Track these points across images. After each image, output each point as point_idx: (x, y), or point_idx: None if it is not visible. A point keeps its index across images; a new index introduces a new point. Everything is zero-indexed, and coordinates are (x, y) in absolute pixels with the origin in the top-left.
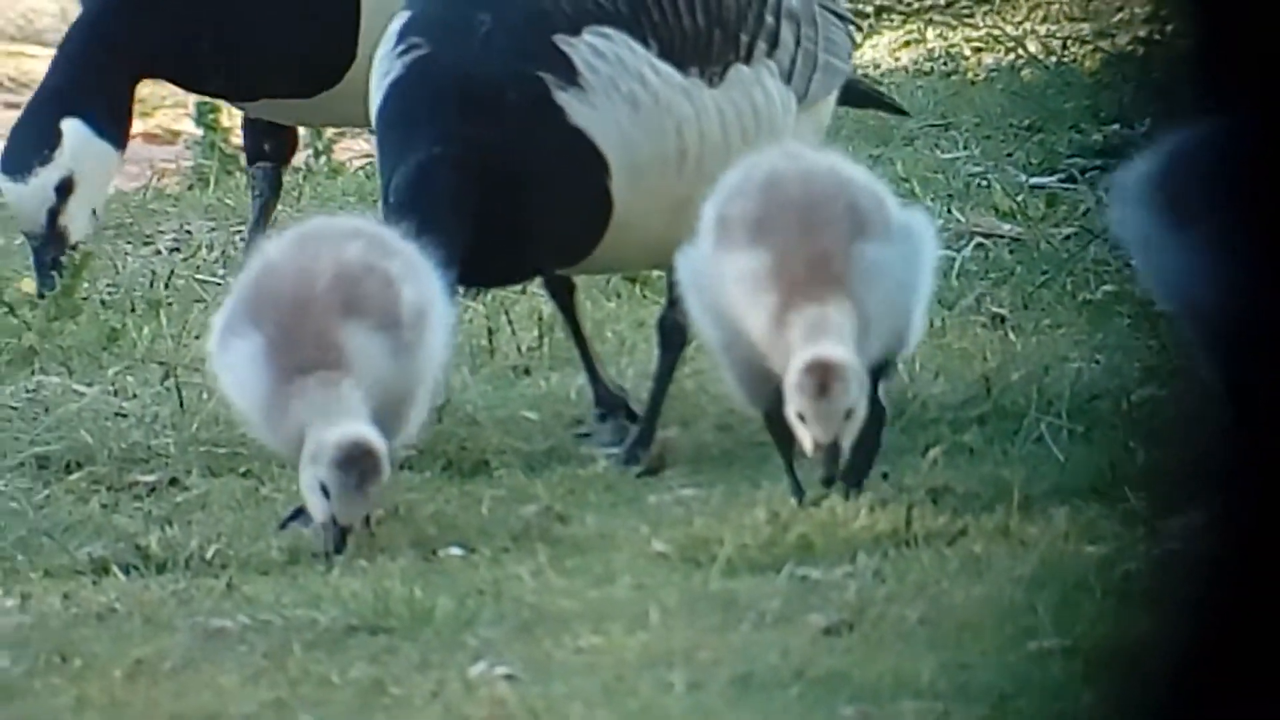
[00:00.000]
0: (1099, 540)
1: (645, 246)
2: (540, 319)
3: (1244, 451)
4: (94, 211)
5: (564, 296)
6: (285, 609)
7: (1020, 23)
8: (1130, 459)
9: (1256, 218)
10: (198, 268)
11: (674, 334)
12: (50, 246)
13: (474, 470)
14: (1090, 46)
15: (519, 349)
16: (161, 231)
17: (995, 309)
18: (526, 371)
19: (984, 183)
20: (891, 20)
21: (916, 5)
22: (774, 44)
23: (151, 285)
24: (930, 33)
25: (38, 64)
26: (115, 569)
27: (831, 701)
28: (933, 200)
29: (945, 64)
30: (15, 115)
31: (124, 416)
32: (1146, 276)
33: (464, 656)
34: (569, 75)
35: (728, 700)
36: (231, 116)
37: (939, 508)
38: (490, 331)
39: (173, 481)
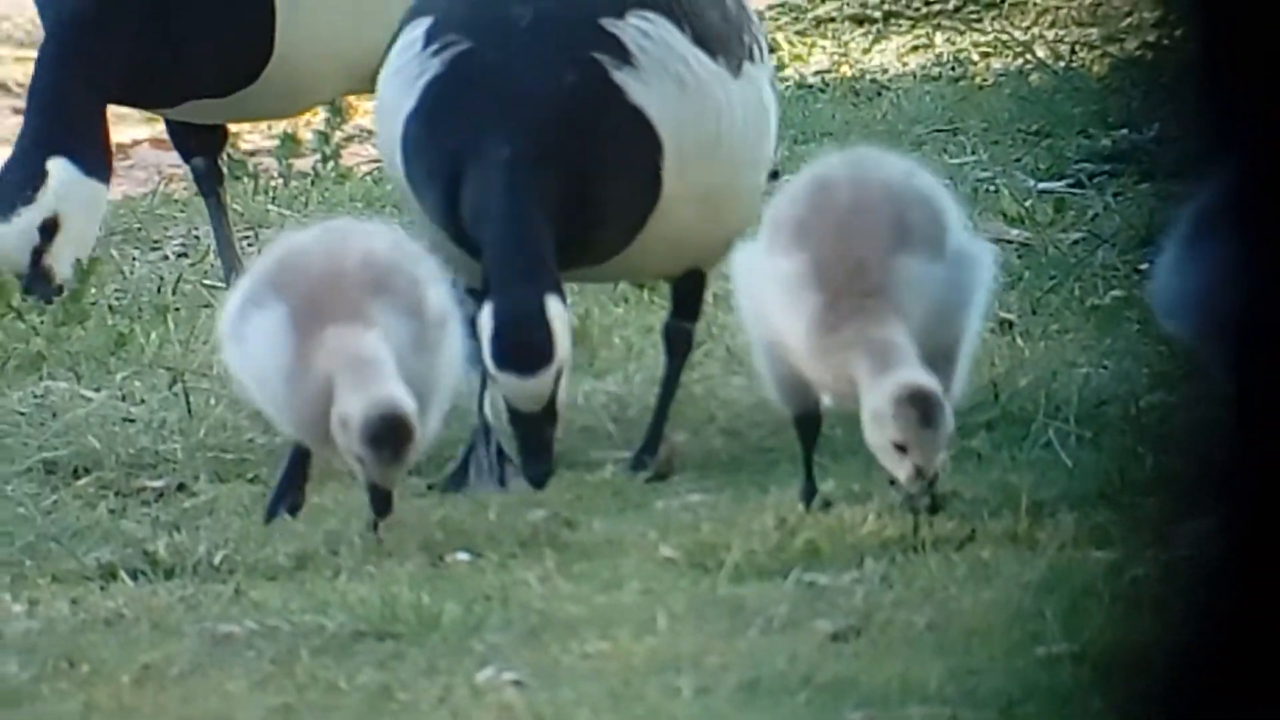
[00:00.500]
0: (1107, 546)
1: (673, 241)
2: None
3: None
4: (78, 258)
5: None
6: (292, 614)
7: (1028, 28)
8: (1138, 464)
9: (1269, 227)
10: (205, 273)
11: (680, 341)
12: (36, 286)
13: None
14: (1098, 51)
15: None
16: (169, 237)
17: (1003, 314)
18: None
19: (992, 188)
20: (899, 25)
21: (924, 10)
22: (762, 52)
23: (159, 291)
24: (938, 38)
25: None
26: (123, 574)
27: (839, 707)
28: None
29: (953, 69)
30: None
31: (131, 422)
32: (1165, 293)
33: (471, 662)
34: (623, 55)
35: (735, 706)
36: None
37: (947, 513)
38: None
39: (180, 487)
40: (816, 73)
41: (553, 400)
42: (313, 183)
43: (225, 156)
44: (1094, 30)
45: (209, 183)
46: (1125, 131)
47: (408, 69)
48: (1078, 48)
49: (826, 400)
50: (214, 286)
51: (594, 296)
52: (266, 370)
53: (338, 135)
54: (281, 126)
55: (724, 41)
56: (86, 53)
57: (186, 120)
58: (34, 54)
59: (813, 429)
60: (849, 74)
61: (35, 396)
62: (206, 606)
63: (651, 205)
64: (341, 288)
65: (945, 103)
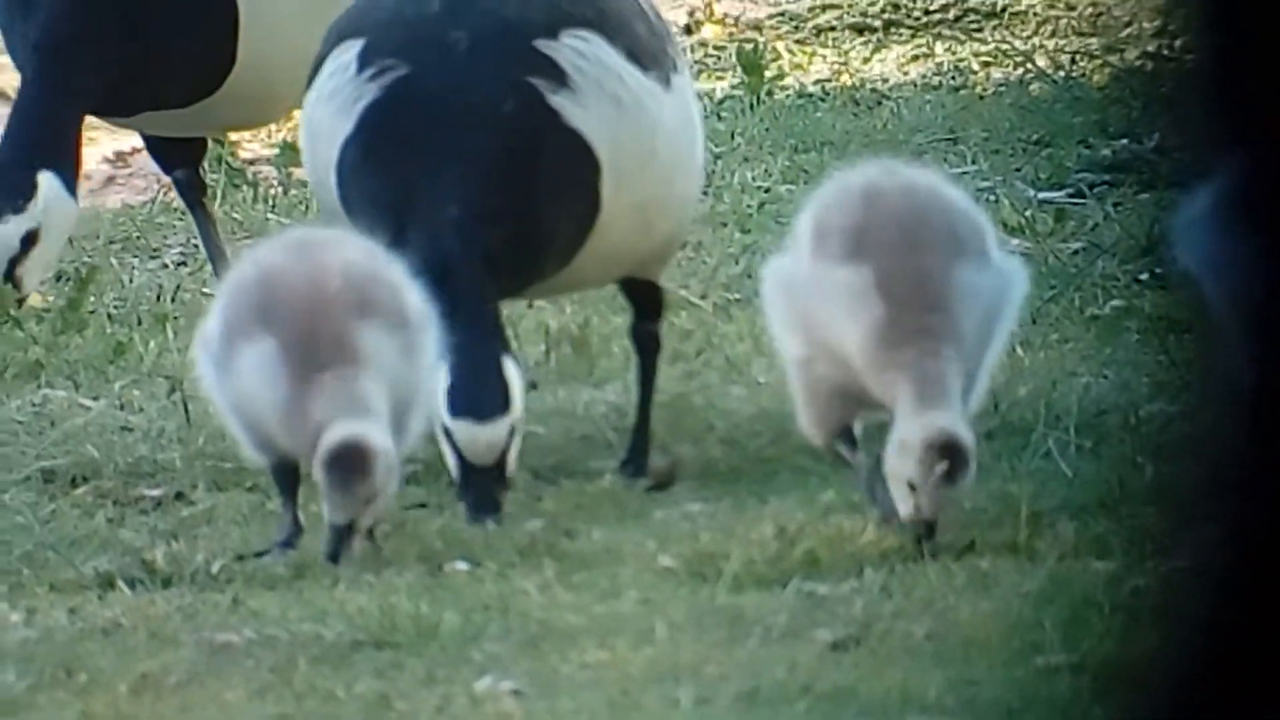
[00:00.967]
0: (1107, 556)
1: (610, 254)
2: (547, 333)
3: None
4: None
5: None
6: (291, 624)
7: (1029, 37)
8: (1138, 474)
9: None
10: (204, 282)
11: (646, 341)
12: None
13: None
14: (1099, 61)
15: (526, 363)
16: (168, 245)
17: None
18: (534, 386)
19: (992, 197)
20: (900, 34)
21: (925, 20)
22: (682, 61)
23: (158, 299)
24: (939, 47)
25: None
26: (121, 583)
27: (838, 717)
28: None
29: (954, 78)
30: None
31: (130, 430)
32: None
33: (470, 671)
34: (559, 78)
35: (734, 715)
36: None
37: (946, 523)
38: None
39: (179, 496)
40: (817, 82)
41: (504, 457)
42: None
43: (225, 165)
44: (1094, 40)
45: (192, 194)
46: (1125, 141)
47: (342, 93)
48: (1078, 57)
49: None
50: (213, 296)
51: (594, 305)
52: (258, 406)
53: None
54: (281, 135)
55: (653, 55)
56: (68, 65)
57: (156, 133)
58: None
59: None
60: (849, 83)
61: (34, 405)
62: (204, 615)
63: (591, 223)
64: (330, 316)
65: (945, 112)
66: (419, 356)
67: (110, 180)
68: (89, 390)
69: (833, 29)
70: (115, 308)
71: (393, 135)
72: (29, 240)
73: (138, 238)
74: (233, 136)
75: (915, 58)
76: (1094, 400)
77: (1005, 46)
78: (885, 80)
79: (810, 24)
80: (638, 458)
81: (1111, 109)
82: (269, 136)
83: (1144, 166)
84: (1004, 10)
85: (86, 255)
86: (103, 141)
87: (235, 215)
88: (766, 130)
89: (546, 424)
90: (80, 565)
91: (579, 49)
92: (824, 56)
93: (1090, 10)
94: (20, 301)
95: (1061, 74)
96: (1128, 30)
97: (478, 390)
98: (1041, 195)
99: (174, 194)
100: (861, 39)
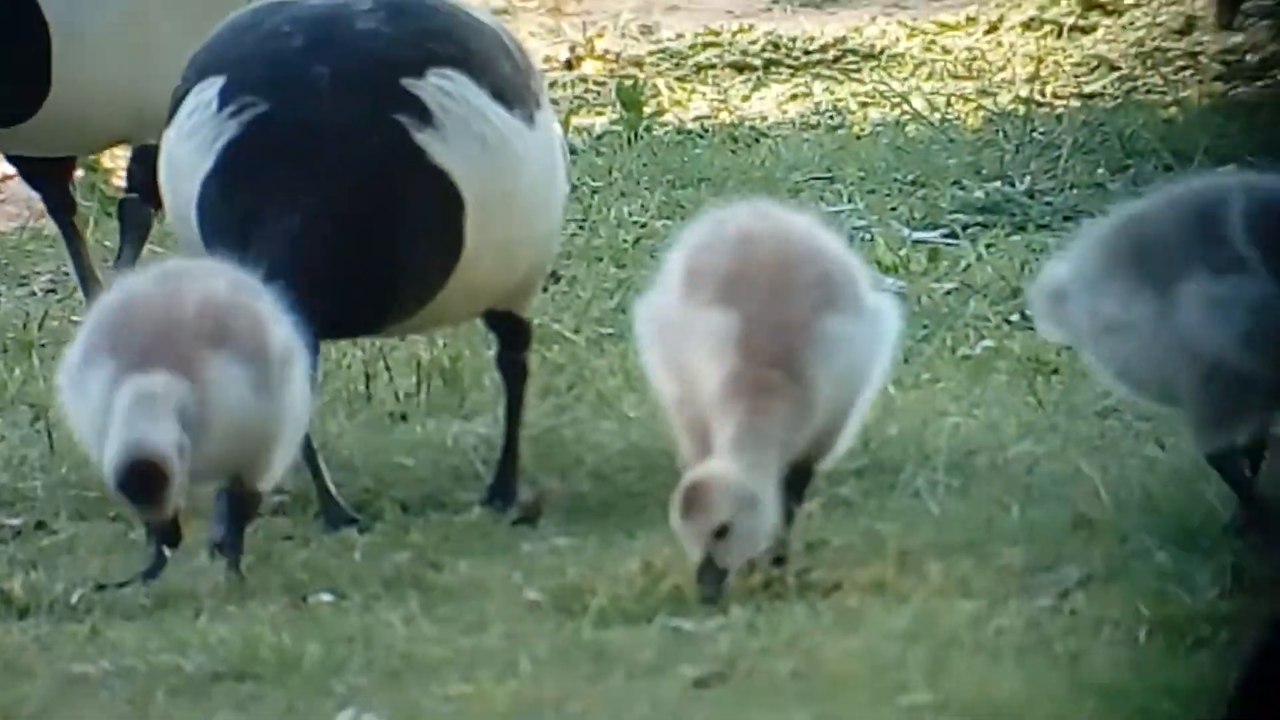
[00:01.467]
0: (973, 595)
1: (472, 291)
2: (419, 365)
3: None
4: None
5: None
6: (150, 655)
7: (905, 79)
8: (1006, 514)
9: None
10: (73, 310)
11: (513, 370)
12: None
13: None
14: (974, 104)
15: (396, 395)
16: (38, 272)
17: None
18: (404, 418)
19: (867, 236)
20: (779, 74)
21: (804, 60)
22: (544, 97)
23: (25, 327)
24: (817, 87)
25: None
26: None
27: None
28: None
29: (831, 118)
30: None
31: None
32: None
33: (331, 704)
34: (424, 116)
35: None
36: (113, 158)
37: (814, 561)
38: (368, 377)
39: (39, 525)
40: (696, 118)
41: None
42: None
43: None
44: (969, 84)
45: (61, 211)
46: (998, 184)
47: (203, 131)
48: (953, 100)
49: None
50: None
51: (465, 338)
52: (99, 428)
53: None
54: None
55: (518, 93)
56: None
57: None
58: None
59: None
60: (728, 120)
61: None
62: (61, 647)
63: (455, 261)
64: (175, 340)
65: (823, 151)
66: (283, 390)
67: None
68: None
69: (713, 67)
70: None
71: (252, 173)
72: None
73: (6, 264)
74: (107, 164)
75: (794, 97)
76: (963, 440)
77: (882, 88)
78: (764, 118)
79: (690, 61)
80: (505, 489)
81: (985, 151)
82: None
83: (1016, 208)
84: (882, 52)
85: None
86: None
87: (107, 244)
88: (644, 166)
89: (415, 456)
90: None
91: (445, 87)
92: (703, 94)
93: (965, 55)
94: None
95: (937, 116)
96: (1001, 74)
97: None
98: (916, 235)
99: (45, 221)
100: (741, 77)
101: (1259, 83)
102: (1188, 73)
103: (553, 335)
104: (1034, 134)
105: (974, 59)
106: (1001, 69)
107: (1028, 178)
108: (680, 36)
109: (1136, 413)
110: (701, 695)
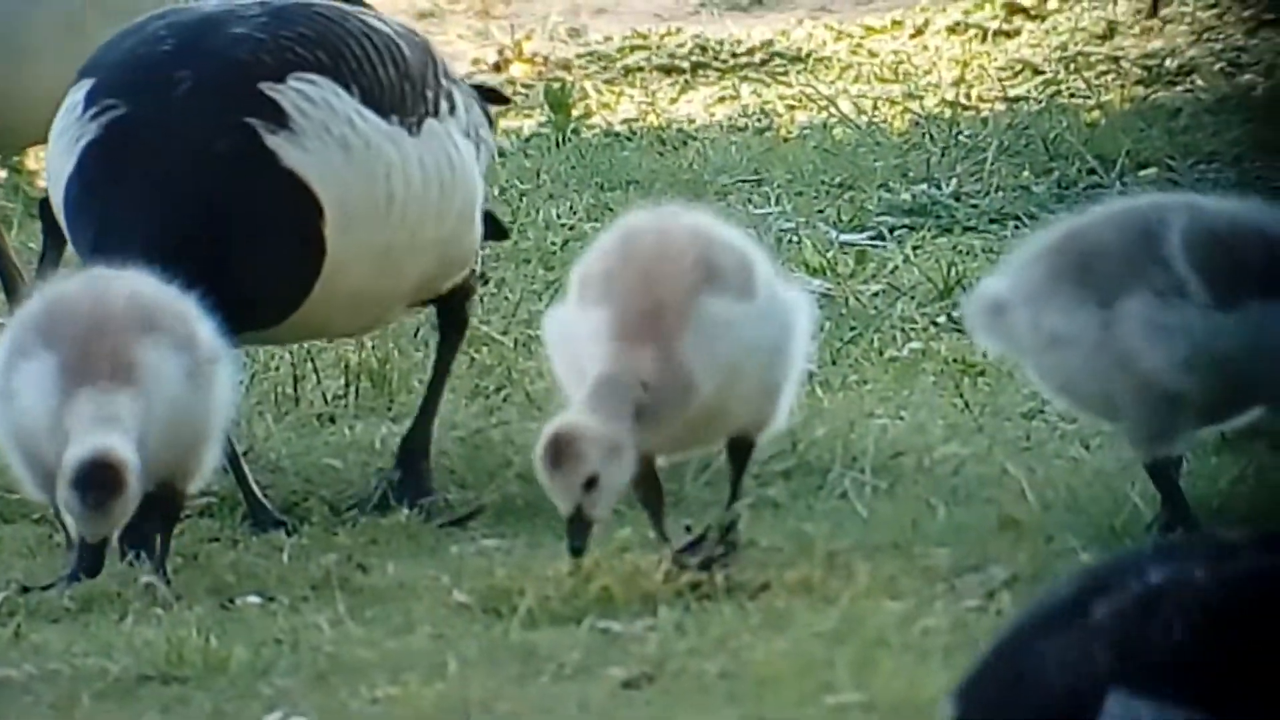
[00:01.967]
0: (900, 596)
1: (350, 299)
2: (347, 367)
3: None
4: None
5: None
6: (75, 658)
7: (833, 82)
8: (933, 515)
9: None
10: None
11: (457, 317)
12: None
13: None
14: (900, 107)
15: (325, 397)
16: None
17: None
18: (331, 420)
19: (795, 239)
20: (707, 77)
21: (731, 63)
22: (452, 105)
23: None
24: (745, 90)
25: None
26: None
27: None
28: None
29: (759, 121)
30: None
31: None
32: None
33: (259, 706)
34: (279, 120)
35: None
36: (37, 159)
37: (742, 561)
38: (296, 379)
39: None
40: (624, 121)
41: None
42: None
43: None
44: (896, 87)
45: None
46: (925, 186)
47: (69, 132)
48: (880, 103)
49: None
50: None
51: (394, 340)
52: (31, 427)
53: None
54: None
55: (400, 99)
56: None
57: None
58: None
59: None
60: (656, 123)
61: None
62: None
63: (316, 267)
64: (107, 332)
65: (750, 153)
66: (209, 388)
67: None
68: None
69: (641, 69)
70: None
71: (106, 174)
72: None
73: None
74: (30, 166)
75: (721, 99)
76: (890, 441)
77: (809, 91)
78: (692, 121)
79: (619, 64)
80: (406, 475)
81: (911, 154)
82: None
83: (942, 211)
84: (809, 56)
85: None
86: None
87: (31, 245)
88: (573, 168)
89: (343, 458)
90: None
91: (305, 92)
92: (631, 96)
93: (892, 58)
94: None
95: (864, 119)
96: (927, 79)
97: None
98: (843, 237)
99: None
100: (669, 80)
101: (1179, 87)
102: (1110, 77)
103: (481, 337)
104: (960, 137)
105: (900, 63)
106: (927, 73)
107: (954, 180)
108: (608, 39)
109: (1062, 415)
110: (630, 696)
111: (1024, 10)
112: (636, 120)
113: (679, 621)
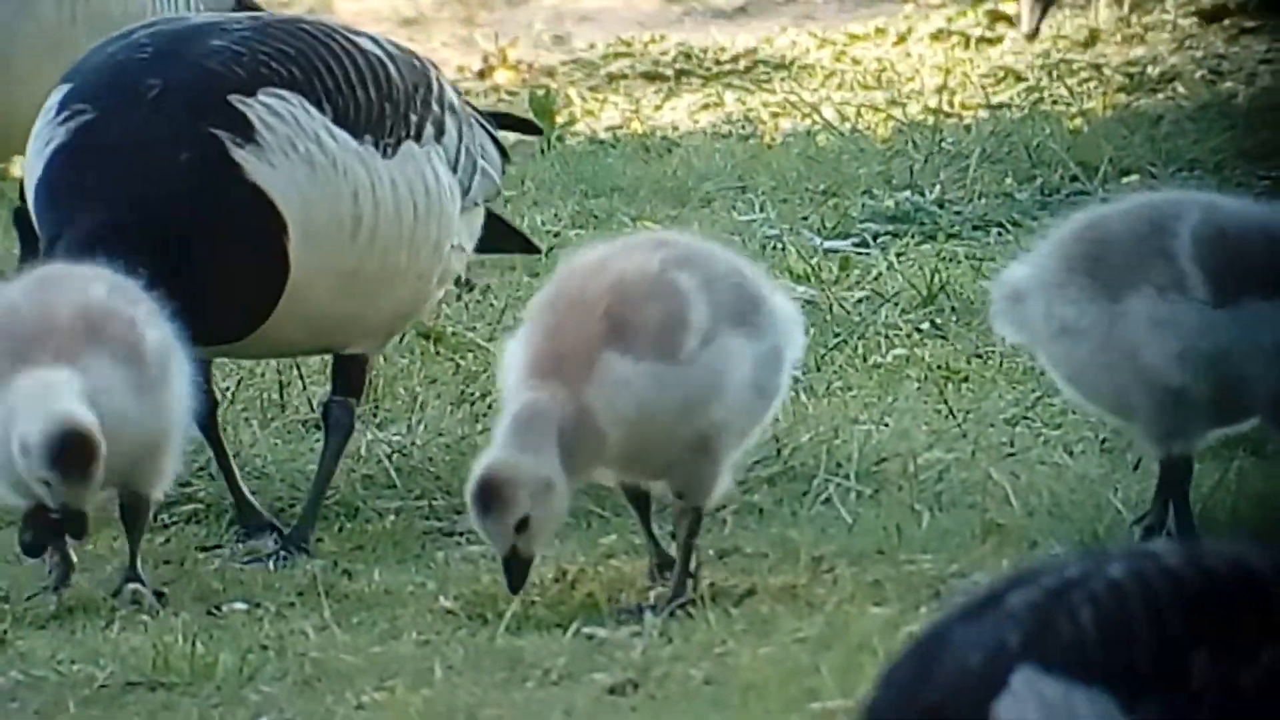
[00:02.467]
0: (884, 602)
1: (316, 320)
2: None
3: None
4: None
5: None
6: (61, 665)
7: (816, 89)
8: (916, 521)
9: None
10: None
11: (337, 417)
12: None
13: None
14: (883, 114)
15: (310, 403)
16: None
17: None
18: (317, 426)
19: (779, 245)
20: (691, 83)
21: (715, 70)
22: (440, 131)
23: None
24: (729, 97)
25: None
26: None
27: None
28: None
29: (743, 128)
30: None
31: None
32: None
33: (244, 712)
34: (245, 133)
35: None
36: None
37: (727, 568)
38: (281, 385)
39: None
40: (608, 128)
41: None
42: None
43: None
44: (879, 94)
45: None
46: (908, 193)
47: (41, 136)
48: (864, 110)
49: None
50: None
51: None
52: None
53: None
54: None
55: (376, 121)
56: None
57: None
58: None
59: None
60: (640, 130)
61: None
62: None
63: (279, 284)
64: (48, 340)
65: (735, 160)
66: (157, 393)
67: None
68: None
69: (625, 76)
70: None
71: (70, 179)
72: None
73: None
74: (15, 172)
75: (706, 106)
76: (874, 448)
77: (793, 98)
78: (676, 128)
79: (603, 71)
80: (301, 534)
81: (895, 161)
82: None
83: (926, 217)
84: (793, 63)
85: None
86: None
87: (15, 251)
88: (557, 175)
89: None
90: None
91: (274, 107)
92: (616, 103)
93: (875, 65)
94: None
95: (847, 126)
96: (910, 85)
97: None
98: (827, 244)
99: None
100: (653, 87)
101: (1161, 94)
102: (1092, 84)
103: (466, 344)
104: (943, 144)
105: (883, 70)
106: (910, 80)
107: (937, 187)
108: (592, 47)
109: (1045, 420)
110: (615, 702)
111: (1006, 18)
112: (620, 127)
113: (664, 628)
